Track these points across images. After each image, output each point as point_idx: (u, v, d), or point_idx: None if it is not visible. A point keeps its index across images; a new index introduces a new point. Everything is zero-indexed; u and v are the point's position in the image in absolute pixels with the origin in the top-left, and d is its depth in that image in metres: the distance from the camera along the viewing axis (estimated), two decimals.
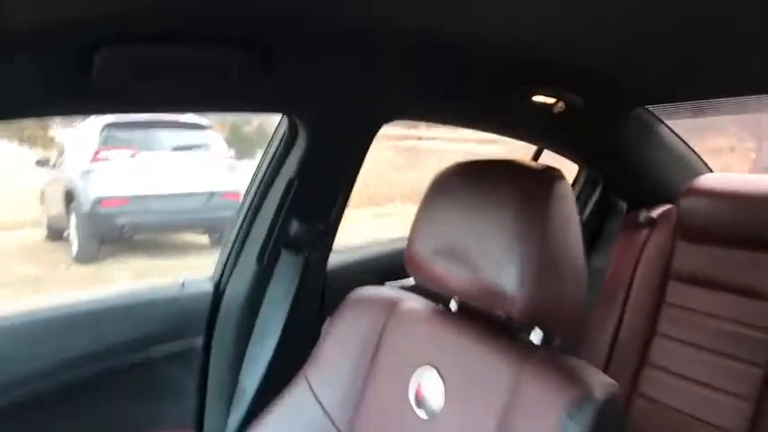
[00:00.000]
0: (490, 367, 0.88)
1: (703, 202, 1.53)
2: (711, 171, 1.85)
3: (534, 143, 1.64)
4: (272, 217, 1.30)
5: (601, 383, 0.82)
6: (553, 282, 0.84)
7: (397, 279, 1.58)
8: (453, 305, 1.01)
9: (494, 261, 0.85)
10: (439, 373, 0.93)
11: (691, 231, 1.56)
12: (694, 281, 1.55)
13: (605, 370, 1.60)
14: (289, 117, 1.24)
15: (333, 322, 1.09)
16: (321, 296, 1.41)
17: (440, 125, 1.42)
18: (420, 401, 0.94)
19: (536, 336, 0.90)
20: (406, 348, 0.99)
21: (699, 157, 1.87)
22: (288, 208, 1.29)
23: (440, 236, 0.93)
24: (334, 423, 1.02)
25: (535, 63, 1.21)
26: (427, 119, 1.41)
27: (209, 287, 1.37)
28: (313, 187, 1.29)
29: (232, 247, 1.37)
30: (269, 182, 1.31)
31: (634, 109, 1.57)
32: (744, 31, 0.93)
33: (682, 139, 1.81)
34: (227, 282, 1.36)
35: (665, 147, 1.77)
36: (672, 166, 1.80)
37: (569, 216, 0.87)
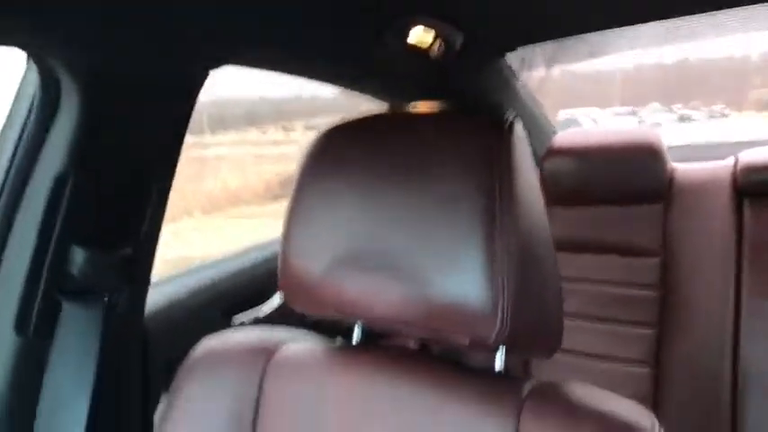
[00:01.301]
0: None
1: (567, 161, 1.43)
2: (556, 131, 1.73)
3: (392, 101, 1.31)
4: (32, 248, 0.76)
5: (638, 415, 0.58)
6: (534, 282, 0.59)
7: (247, 308, 1.13)
8: (357, 334, 0.70)
9: (449, 264, 0.57)
10: None
11: (558, 195, 1.45)
12: (573, 247, 1.45)
13: None
14: (41, 63, 0.71)
15: (173, 398, 0.72)
16: (143, 362, 0.90)
17: (281, 74, 0.99)
18: None
19: (499, 361, 0.62)
20: (307, 417, 0.66)
21: (545, 115, 1.76)
22: (62, 228, 0.76)
23: (337, 238, 0.63)
24: None
25: None
26: (271, 65, 0.96)
27: None
28: (102, 186, 0.78)
29: None
30: (18, 187, 0.76)
31: (510, 50, 1.33)
32: None
33: (532, 96, 1.67)
34: None
35: (522, 105, 1.61)
36: (528, 126, 1.65)
37: (537, 184, 0.62)
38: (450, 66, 1.16)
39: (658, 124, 6.70)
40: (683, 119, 6.92)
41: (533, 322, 0.58)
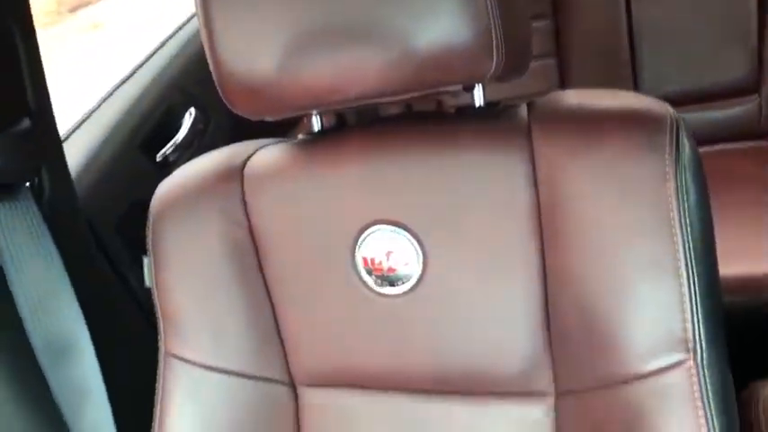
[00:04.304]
0: (475, 171, 0.55)
1: None
2: None
3: None
4: None
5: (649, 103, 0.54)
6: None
7: (162, 135, 1.00)
8: (316, 123, 0.64)
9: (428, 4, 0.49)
10: (395, 224, 0.58)
11: None
12: None
13: None
14: None
15: (157, 254, 0.65)
16: (96, 236, 0.79)
17: None
18: (384, 277, 0.58)
19: (479, 95, 0.58)
20: (310, 219, 0.61)
21: None
22: None
23: (282, 23, 0.52)
24: (250, 376, 0.64)
25: None
26: None
27: None
28: None
29: None
30: None
31: None
32: None
33: None
34: None
35: None
36: None
37: None
38: None
39: None
40: None
41: (518, 41, 0.53)
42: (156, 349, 0.66)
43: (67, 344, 0.69)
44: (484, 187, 0.54)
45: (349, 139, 0.60)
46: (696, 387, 0.48)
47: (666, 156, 0.49)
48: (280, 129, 0.74)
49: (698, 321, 0.48)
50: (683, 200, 0.48)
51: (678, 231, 0.48)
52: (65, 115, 0.92)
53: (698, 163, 0.50)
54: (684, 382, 0.48)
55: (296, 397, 0.64)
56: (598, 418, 0.52)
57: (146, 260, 0.66)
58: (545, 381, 0.55)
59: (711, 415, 0.47)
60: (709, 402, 0.47)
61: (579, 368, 0.53)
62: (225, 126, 1.09)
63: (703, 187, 0.50)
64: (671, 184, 0.48)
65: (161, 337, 0.66)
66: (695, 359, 0.48)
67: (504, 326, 0.55)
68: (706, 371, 0.48)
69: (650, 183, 0.49)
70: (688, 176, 0.49)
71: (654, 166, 0.49)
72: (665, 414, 0.48)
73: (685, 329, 0.48)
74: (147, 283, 0.67)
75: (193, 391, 0.64)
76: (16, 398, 0.67)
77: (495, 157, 0.54)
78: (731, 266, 0.89)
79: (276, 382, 0.64)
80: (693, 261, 0.48)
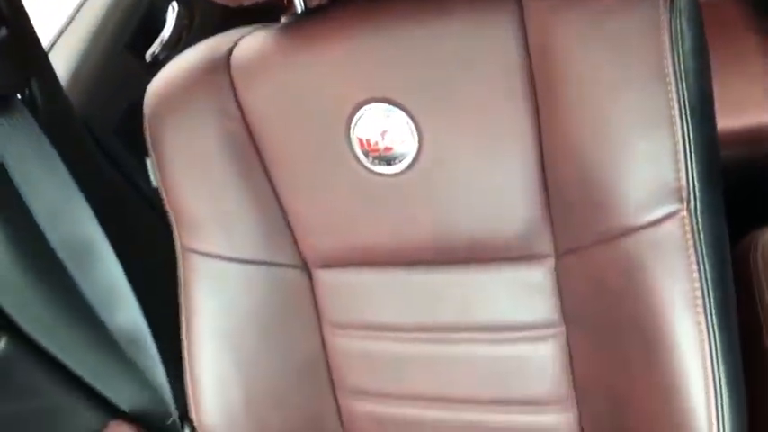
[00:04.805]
0: (465, 40, 0.53)
1: None
2: None
3: None
4: None
5: None
6: None
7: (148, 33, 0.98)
8: (299, 3, 0.62)
9: None
10: (388, 101, 0.56)
11: None
12: None
13: None
14: None
15: (158, 154, 0.66)
16: (96, 141, 0.80)
17: None
18: (380, 157, 0.58)
19: None
20: (308, 97, 0.60)
21: None
22: None
23: None
24: (264, 263, 0.66)
25: None
26: None
27: None
28: None
29: None
30: None
31: None
32: None
33: None
34: None
35: None
36: None
37: None
38: None
39: None
40: None
41: None
42: (172, 246, 0.68)
43: (87, 248, 0.72)
44: (475, 57, 0.53)
45: (332, 18, 0.58)
46: (689, 236, 0.49)
47: (661, 3, 0.47)
48: (267, 17, 0.73)
49: (692, 171, 0.48)
50: (677, 47, 0.47)
51: (672, 80, 0.47)
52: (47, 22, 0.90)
53: (695, 8, 0.48)
54: (678, 231, 0.49)
55: (310, 278, 0.67)
56: (598, 274, 0.54)
57: (148, 161, 0.67)
58: (545, 243, 0.57)
59: (704, 262, 0.49)
60: (702, 250, 0.49)
61: (578, 227, 0.54)
62: (210, 19, 1.05)
63: (700, 34, 0.48)
64: (665, 32, 0.47)
65: (175, 233, 0.68)
66: (688, 209, 0.49)
67: (502, 194, 0.56)
68: (699, 220, 0.49)
69: (644, 33, 0.47)
70: (683, 22, 0.47)
71: (648, 16, 0.47)
72: (661, 264, 0.50)
73: (679, 179, 0.48)
74: (154, 182, 0.68)
75: (213, 281, 0.67)
76: (48, 302, 0.71)
77: (484, 23, 0.52)
78: (733, 118, 0.87)
79: (290, 266, 0.67)
80: (688, 110, 0.47)
